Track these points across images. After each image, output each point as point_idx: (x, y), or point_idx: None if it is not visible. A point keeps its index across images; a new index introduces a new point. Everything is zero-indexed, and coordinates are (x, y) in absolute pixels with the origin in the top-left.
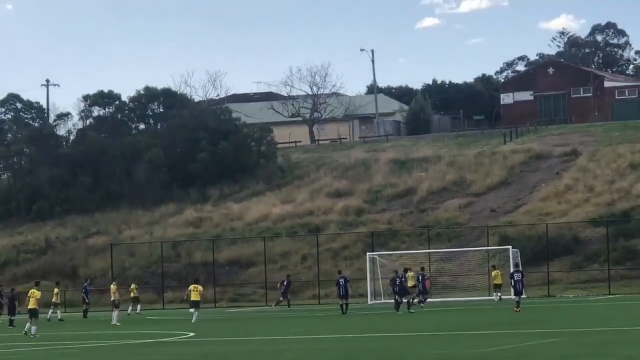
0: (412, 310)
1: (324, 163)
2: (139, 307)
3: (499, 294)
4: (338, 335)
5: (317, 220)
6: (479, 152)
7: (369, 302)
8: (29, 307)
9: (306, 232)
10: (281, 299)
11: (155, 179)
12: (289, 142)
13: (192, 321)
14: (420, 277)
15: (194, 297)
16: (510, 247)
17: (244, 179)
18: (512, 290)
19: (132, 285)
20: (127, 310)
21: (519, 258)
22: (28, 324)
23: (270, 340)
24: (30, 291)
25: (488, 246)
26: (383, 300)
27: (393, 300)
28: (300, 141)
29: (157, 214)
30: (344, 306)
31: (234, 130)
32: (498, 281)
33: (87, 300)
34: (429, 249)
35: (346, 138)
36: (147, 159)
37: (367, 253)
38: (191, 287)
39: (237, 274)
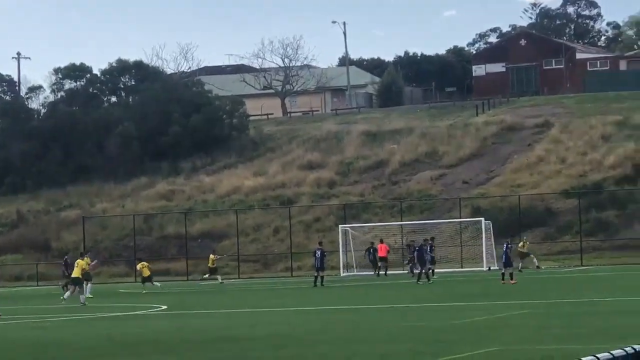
0: (421, 282)
1: (296, 135)
2: (219, 277)
3: (535, 261)
4: (312, 307)
5: (290, 192)
6: (451, 124)
7: (342, 274)
8: (72, 275)
9: (278, 205)
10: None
11: (127, 152)
12: (261, 115)
13: (159, 285)
14: (429, 248)
15: (146, 272)
16: (482, 218)
17: (216, 152)
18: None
19: (211, 256)
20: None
21: (491, 229)
22: (69, 293)
23: (244, 313)
24: (76, 261)
25: (460, 218)
26: (356, 273)
27: (408, 271)
28: (272, 113)
29: (129, 187)
30: (319, 278)
31: (206, 103)
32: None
33: (67, 273)
34: (401, 221)
35: (318, 110)
36: (119, 132)
37: (340, 225)
38: (139, 265)
39: (209, 247)
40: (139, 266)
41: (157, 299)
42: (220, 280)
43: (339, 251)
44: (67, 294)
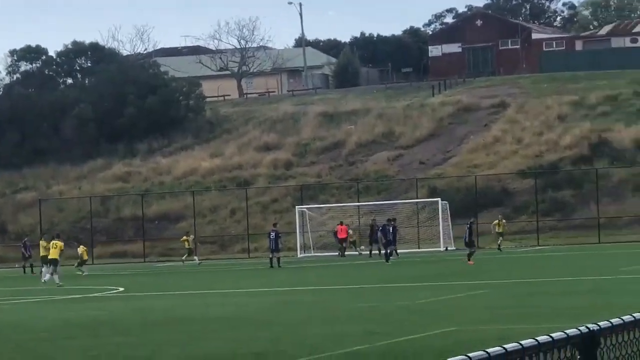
0: (389, 263)
1: (252, 117)
2: (196, 258)
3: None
4: (268, 289)
5: (246, 174)
6: (408, 105)
7: (299, 255)
8: (50, 257)
9: (235, 186)
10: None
11: (83, 134)
12: (218, 96)
13: (43, 280)
14: (391, 229)
15: (53, 254)
16: (439, 199)
17: (172, 134)
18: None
19: (185, 237)
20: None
21: (448, 210)
22: (48, 274)
23: (200, 294)
24: (52, 242)
25: (417, 198)
26: (313, 254)
27: (377, 251)
28: (228, 95)
29: (86, 169)
30: (274, 260)
31: (162, 85)
32: (502, 230)
33: (27, 255)
34: (358, 202)
35: (274, 91)
36: (75, 114)
37: (297, 206)
38: (80, 249)
39: (166, 229)
40: (80, 249)
41: (114, 281)
42: (197, 261)
43: (296, 232)
44: (47, 276)
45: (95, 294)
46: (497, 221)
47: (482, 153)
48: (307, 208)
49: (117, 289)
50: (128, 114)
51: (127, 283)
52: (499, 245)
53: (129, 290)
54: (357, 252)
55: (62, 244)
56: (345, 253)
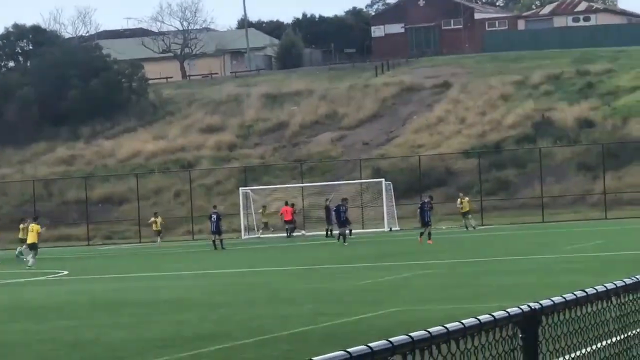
0: (346, 244)
1: (195, 99)
2: (159, 239)
3: (471, 221)
4: (213, 271)
5: (190, 156)
6: (351, 86)
7: (243, 237)
8: (28, 241)
9: (179, 168)
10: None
11: (26, 117)
12: (160, 78)
13: (29, 265)
14: (343, 209)
15: (32, 238)
16: (383, 179)
17: (115, 116)
18: (420, 220)
19: (154, 219)
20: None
21: (392, 190)
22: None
23: (147, 277)
24: (30, 226)
25: (361, 179)
26: (257, 235)
27: (327, 231)
28: (171, 77)
29: (29, 153)
30: (218, 242)
31: (105, 67)
32: (466, 208)
33: None
34: (302, 183)
35: (217, 73)
36: (18, 97)
37: (240, 188)
38: (31, 226)
39: (110, 212)
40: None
41: (58, 265)
42: (158, 243)
43: (239, 214)
44: (31, 260)
45: (39, 278)
46: (460, 200)
47: (425, 133)
48: (250, 190)
49: (61, 272)
50: (71, 96)
51: (71, 266)
52: (467, 225)
53: (73, 273)
54: (300, 234)
55: (39, 226)
56: (293, 234)
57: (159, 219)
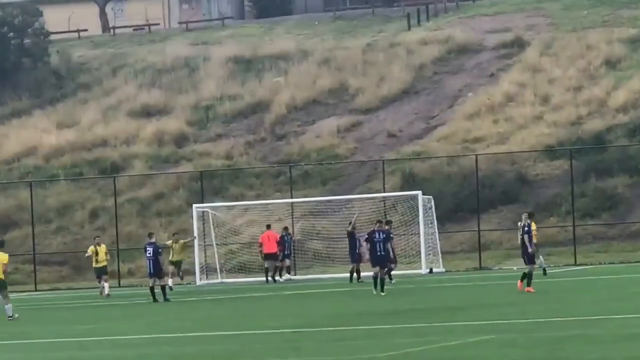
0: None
1: (124, 64)
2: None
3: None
4: (141, 336)
5: (115, 154)
6: (369, 44)
7: (198, 282)
8: None
9: (97, 174)
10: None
11: None
12: (69, 32)
13: (10, 316)
14: (380, 237)
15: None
16: (419, 192)
17: None
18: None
19: (178, 242)
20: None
21: (433, 209)
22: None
23: (39, 345)
24: None
25: (385, 191)
26: (220, 280)
27: (353, 273)
28: (86, 30)
29: None
30: (158, 289)
31: None
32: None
33: None
34: (291, 197)
35: (159, 24)
36: None
37: (194, 205)
38: None
39: None
40: None
41: None
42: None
43: (192, 247)
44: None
45: None
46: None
47: (486, 120)
48: (210, 207)
49: None
50: None
51: None
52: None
53: None
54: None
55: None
56: (280, 277)
57: (102, 247)
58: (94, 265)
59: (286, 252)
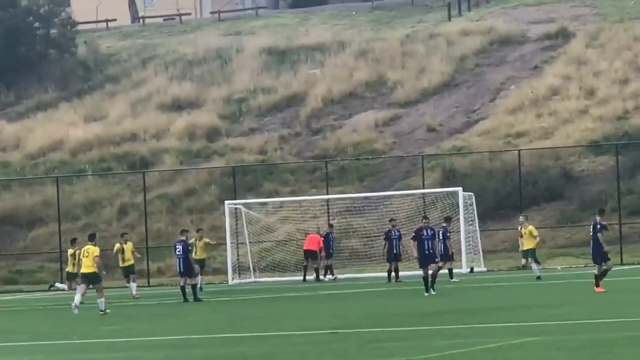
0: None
1: (154, 55)
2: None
3: (533, 264)
4: (178, 337)
5: (144, 148)
6: (408, 35)
7: (230, 282)
8: None
9: (126, 169)
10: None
11: None
12: (97, 22)
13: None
14: (428, 233)
15: (88, 268)
16: (460, 189)
17: (22, 83)
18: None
19: (201, 240)
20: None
21: (474, 206)
22: None
23: (76, 347)
24: None
25: (424, 188)
26: (253, 279)
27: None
28: (114, 20)
29: None
30: (188, 289)
31: (7, 4)
32: (529, 244)
33: None
34: (327, 193)
35: (190, 14)
36: None
37: (226, 202)
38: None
39: (12, 239)
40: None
41: None
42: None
43: (225, 244)
44: None
45: None
46: (520, 226)
47: (529, 113)
48: (243, 204)
49: None
50: None
51: None
52: (525, 265)
53: None
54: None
55: None
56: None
57: (128, 245)
58: (120, 264)
59: (330, 251)
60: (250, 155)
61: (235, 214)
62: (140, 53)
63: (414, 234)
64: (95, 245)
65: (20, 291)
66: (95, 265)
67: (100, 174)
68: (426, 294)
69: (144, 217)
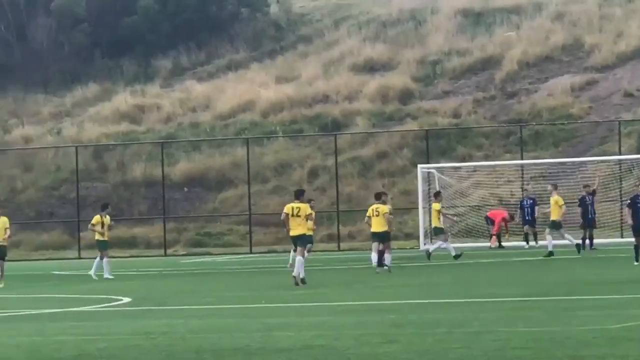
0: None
1: (347, 16)
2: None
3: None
4: (368, 302)
5: (336, 110)
6: None
7: (422, 247)
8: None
9: (317, 131)
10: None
11: (65, 43)
12: None
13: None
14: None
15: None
16: None
17: (212, 43)
18: None
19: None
20: None
21: None
22: None
23: (266, 310)
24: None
25: (620, 154)
26: (452, 244)
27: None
28: None
29: (69, 101)
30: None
31: None
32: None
33: None
34: (521, 158)
35: None
36: (52, 10)
37: (419, 165)
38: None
39: (201, 201)
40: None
41: (118, 287)
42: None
43: (417, 209)
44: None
45: (90, 307)
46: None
47: None
48: (436, 168)
49: (120, 300)
50: (141, 9)
51: (136, 290)
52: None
53: (139, 302)
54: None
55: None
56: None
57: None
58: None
59: (527, 218)
60: (444, 119)
61: (428, 178)
62: (333, 13)
63: (629, 201)
64: (384, 203)
65: (209, 254)
66: (387, 222)
67: (291, 136)
68: (635, 263)
69: (334, 181)
